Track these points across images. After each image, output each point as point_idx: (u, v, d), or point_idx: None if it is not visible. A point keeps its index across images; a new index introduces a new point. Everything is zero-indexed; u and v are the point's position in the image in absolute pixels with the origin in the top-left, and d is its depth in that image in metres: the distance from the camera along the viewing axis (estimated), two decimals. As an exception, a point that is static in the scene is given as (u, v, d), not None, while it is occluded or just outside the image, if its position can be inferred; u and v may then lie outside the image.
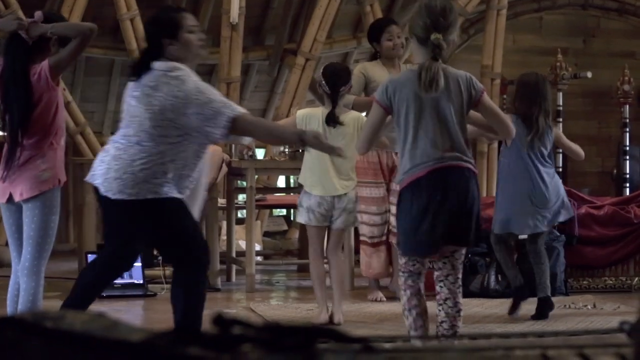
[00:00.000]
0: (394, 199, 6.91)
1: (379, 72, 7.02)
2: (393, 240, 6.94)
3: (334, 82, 6.10)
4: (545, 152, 6.35)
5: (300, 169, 7.91)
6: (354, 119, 6.17)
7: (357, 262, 8.88)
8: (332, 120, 6.09)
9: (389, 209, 7.02)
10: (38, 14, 4.68)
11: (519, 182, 6.27)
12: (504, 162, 6.42)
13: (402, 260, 4.46)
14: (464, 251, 4.48)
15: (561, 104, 10.80)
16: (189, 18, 4.65)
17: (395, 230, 6.88)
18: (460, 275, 4.48)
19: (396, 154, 6.90)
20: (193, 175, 4.55)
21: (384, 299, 7.12)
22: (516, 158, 6.29)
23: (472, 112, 4.52)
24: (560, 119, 10.78)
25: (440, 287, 4.49)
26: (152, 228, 4.53)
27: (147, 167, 4.38)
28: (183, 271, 4.63)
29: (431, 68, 4.24)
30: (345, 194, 6.14)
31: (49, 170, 4.65)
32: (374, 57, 7.27)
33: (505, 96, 10.71)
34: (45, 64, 4.60)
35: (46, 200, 4.64)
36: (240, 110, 4.44)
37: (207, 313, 6.54)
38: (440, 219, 4.29)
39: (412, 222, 4.32)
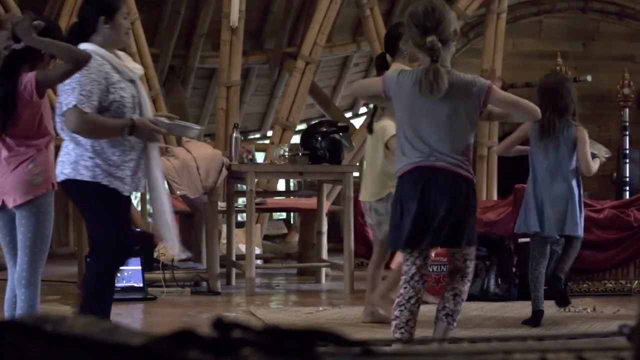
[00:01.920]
0: None
1: None
2: None
3: None
4: (559, 153, 6.23)
5: (299, 173, 7.93)
6: (378, 128, 6.21)
7: (357, 266, 8.89)
8: (370, 129, 6.31)
9: None
10: (38, 24, 4.65)
11: (539, 184, 6.25)
12: (530, 166, 6.36)
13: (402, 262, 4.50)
14: (466, 252, 4.47)
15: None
16: (125, 5, 4.96)
17: None
18: (466, 273, 4.50)
19: None
20: (124, 165, 4.72)
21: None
22: (533, 160, 6.27)
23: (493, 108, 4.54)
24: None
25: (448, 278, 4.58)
26: (79, 208, 4.93)
27: (75, 150, 4.69)
28: (94, 258, 4.81)
29: (430, 71, 4.28)
30: (369, 202, 6.23)
31: (42, 175, 4.61)
32: (383, 64, 7.15)
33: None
34: (32, 77, 4.55)
35: (40, 205, 4.59)
36: (81, 105, 4.62)
37: (207, 317, 6.55)
38: (419, 218, 4.33)
39: (394, 215, 4.42)
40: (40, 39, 4.53)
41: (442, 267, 7.49)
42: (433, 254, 4.74)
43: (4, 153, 4.65)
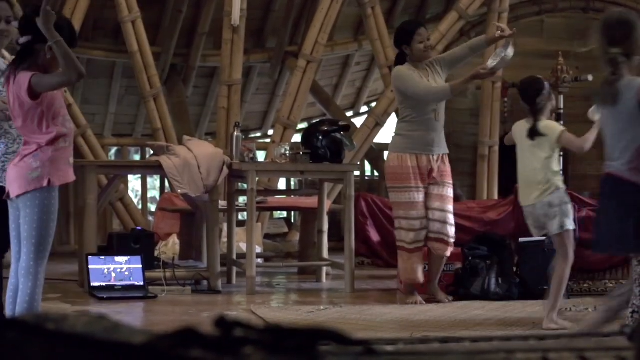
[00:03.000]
0: (435, 203, 6.99)
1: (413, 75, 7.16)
2: (433, 244, 7.07)
3: (532, 95, 6.21)
4: None
5: (300, 172, 7.92)
6: (543, 127, 6.18)
7: (358, 265, 8.89)
8: (535, 133, 6.16)
9: (426, 215, 7.02)
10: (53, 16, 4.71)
11: None
12: None
13: None
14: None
15: (562, 107, 10.80)
16: (3, 9, 5.03)
17: (434, 235, 6.95)
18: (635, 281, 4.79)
19: (433, 156, 6.97)
20: None
21: (423, 302, 7.06)
22: None
23: None
24: (562, 122, 10.77)
25: None
26: None
27: None
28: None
29: (606, 83, 4.51)
30: (532, 205, 6.25)
31: (39, 170, 4.69)
32: (400, 61, 7.19)
33: (506, 99, 10.71)
34: (27, 78, 4.60)
35: (36, 199, 4.67)
36: None
37: (209, 315, 6.55)
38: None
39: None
40: (54, 32, 4.56)
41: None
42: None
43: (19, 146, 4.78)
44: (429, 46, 7.15)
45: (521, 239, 7.34)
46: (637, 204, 4.50)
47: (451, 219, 7.08)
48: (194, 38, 11.28)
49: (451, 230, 7.06)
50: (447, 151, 7.16)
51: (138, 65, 9.56)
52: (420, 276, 7.08)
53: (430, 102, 6.96)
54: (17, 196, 4.70)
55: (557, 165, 6.23)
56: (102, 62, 11.11)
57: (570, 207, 6.17)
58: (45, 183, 4.69)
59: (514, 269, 7.39)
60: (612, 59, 4.40)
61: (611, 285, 7.72)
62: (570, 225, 6.16)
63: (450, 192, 7.12)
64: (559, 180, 6.23)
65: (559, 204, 6.16)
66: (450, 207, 7.09)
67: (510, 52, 6.84)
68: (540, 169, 6.19)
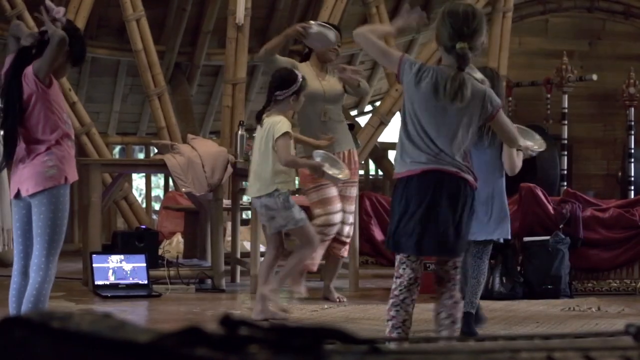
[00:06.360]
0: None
1: (307, 74, 6.85)
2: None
3: (276, 85, 6.11)
4: None
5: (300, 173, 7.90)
6: (269, 122, 6.07)
7: (362, 264, 8.89)
8: (257, 118, 6.17)
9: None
10: (61, 9, 4.76)
11: None
12: None
13: (396, 264, 4.41)
14: (458, 260, 4.42)
15: (566, 106, 10.79)
16: None
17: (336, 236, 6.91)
18: (456, 280, 4.43)
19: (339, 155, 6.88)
20: None
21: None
22: None
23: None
24: (566, 122, 10.77)
25: (437, 286, 4.47)
26: None
27: None
28: None
29: (456, 79, 4.16)
30: (258, 198, 6.21)
31: (55, 168, 4.75)
32: (305, 58, 7.34)
33: (510, 98, 10.70)
34: (30, 68, 4.68)
35: (52, 197, 4.73)
36: None
37: (213, 314, 6.55)
38: (427, 224, 4.25)
39: (398, 218, 4.28)
40: (58, 30, 4.65)
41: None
42: None
43: (25, 144, 4.80)
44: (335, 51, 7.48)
45: (525, 238, 7.34)
46: (471, 206, 4.35)
47: (350, 218, 7.04)
48: (198, 36, 11.29)
49: (347, 229, 7.06)
50: (351, 147, 7.02)
51: (142, 63, 9.57)
52: None
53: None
54: (32, 194, 4.73)
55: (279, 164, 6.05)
56: (106, 61, 11.12)
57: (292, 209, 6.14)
58: (62, 180, 4.76)
59: (518, 268, 7.39)
60: (463, 54, 4.18)
61: (615, 284, 7.72)
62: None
63: (351, 191, 7.02)
64: (279, 182, 6.08)
65: (277, 208, 6.07)
66: (351, 207, 7.03)
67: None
68: (270, 166, 6.05)
